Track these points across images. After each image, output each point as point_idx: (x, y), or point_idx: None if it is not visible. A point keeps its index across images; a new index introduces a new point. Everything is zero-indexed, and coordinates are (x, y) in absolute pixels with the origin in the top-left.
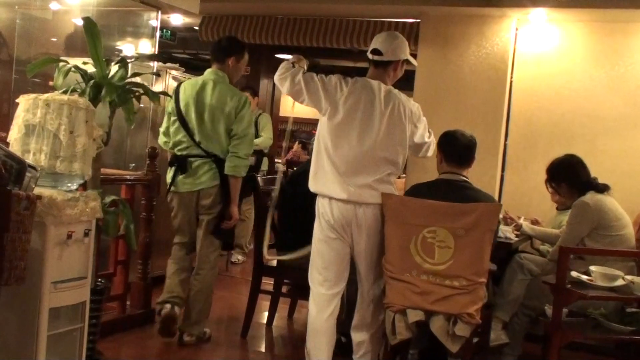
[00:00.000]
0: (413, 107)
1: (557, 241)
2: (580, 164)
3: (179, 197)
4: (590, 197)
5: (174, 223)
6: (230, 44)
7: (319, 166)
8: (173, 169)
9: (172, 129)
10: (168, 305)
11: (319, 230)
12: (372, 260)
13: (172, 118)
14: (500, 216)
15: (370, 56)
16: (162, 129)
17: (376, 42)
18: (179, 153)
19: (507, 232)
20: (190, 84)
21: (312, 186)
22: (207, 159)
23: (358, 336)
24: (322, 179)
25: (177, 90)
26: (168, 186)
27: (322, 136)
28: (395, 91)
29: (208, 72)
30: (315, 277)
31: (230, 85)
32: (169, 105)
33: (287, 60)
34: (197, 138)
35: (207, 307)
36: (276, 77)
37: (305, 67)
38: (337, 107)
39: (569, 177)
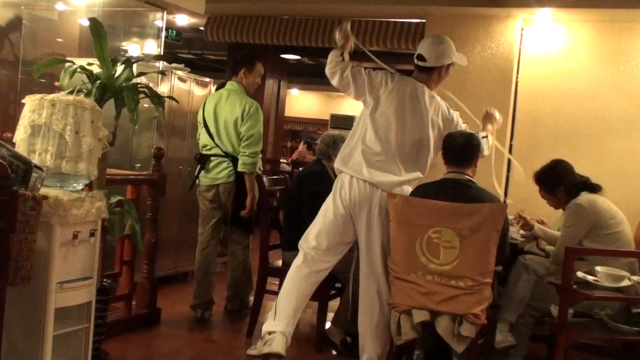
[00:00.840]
0: (450, 111)
1: None
2: (570, 166)
3: (200, 190)
4: (583, 198)
5: (200, 214)
6: (242, 56)
7: (351, 150)
8: (199, 166)
9: (200, 134)
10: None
11: (330, 201)
12: (375, 254)
13: (200, 125)
14: (511, 217)
15: (415, 61)
16: (197, 137)
17: (421, 47)
18: (204, 153)
19: (512, 232)
20: (212, 96)
21: (338, 164)
22: (225, 158)
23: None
24: (350, 161)
25: (204, 102)
26: (193, 180)
27: (361, 125)
28: (438, 97)
29: (227, 84)
30: (308, 241)
31: (241, 94)
32: (199, 115)
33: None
34: (216, 140)
35: (243, 280)
36: (327, 70)
37: (352, 47)
38: (380, 101)
39: (566, 179)
